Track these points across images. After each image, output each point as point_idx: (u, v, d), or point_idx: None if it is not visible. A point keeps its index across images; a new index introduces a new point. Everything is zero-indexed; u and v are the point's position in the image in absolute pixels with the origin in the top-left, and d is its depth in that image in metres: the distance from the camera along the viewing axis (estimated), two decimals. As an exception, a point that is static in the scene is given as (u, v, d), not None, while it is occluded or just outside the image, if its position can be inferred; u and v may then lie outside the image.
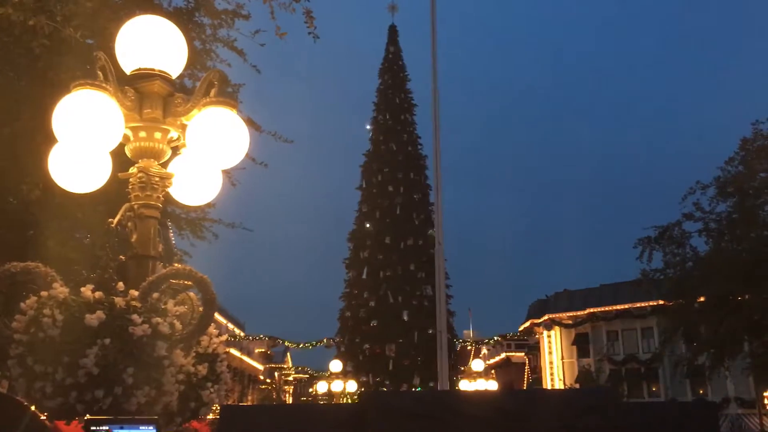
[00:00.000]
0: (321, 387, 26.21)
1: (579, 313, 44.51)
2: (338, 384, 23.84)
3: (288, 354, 57.65)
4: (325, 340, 32.35)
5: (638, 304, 39.98)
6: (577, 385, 40.01)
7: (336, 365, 24.70)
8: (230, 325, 45.67)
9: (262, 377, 57.20)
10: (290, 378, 58.42)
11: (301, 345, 36.19)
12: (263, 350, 55.68)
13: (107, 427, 2.27)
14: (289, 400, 55.58)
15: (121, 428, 2.29)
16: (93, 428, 2.26)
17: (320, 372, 34.35)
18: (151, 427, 2.36)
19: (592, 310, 43.86)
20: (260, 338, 41.66)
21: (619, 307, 42.41)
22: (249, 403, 40.44)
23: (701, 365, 20.71)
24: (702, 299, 18.19)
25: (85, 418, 2.40)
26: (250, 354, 52.93)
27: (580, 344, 44.67)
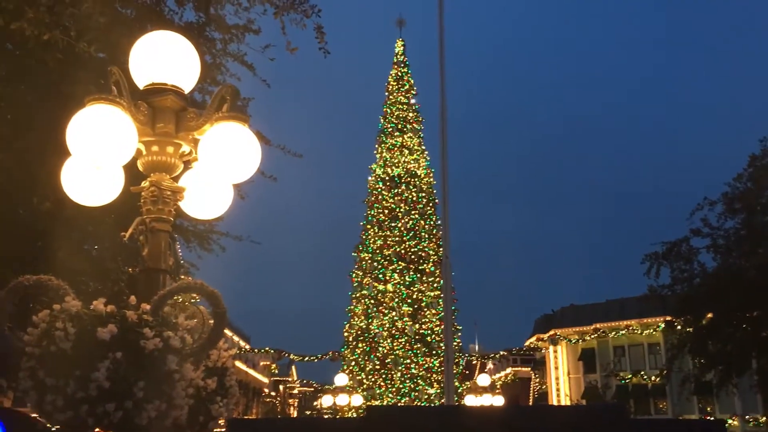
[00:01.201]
0: (326, 400, 26.10)
1: (585, 328, 44.35)
2: (343, 398, 23.73)
3: (293, 367, 57.52)
4: (330, 354, 32.23)
5: (645, 320, 39.84)
6: (584, 402, 39.77)
7: (341, 379, 24.61)
8: (236, 338, 45.64)
9: (266, 390, 57.05)
10: (295, 391, 58.24)
11: (306, 358, 36.03)
12: (268, 363, 55.59)
13: None
14: (294, 413, 55.36)
15: None
16: None
17: (325, 385, 34.19)
18: None
19: (598, 325, 43.69)
20: (265, 351, 41.59)
21: (625, 322, 42.25)
22: (254, 416, 40.30)
23: (709, 382, 20.59)
24: (710, 315, 18.12)
25: None
26: (255, 367, 52.84)
27: (587, 360, 44.46)
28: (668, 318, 21.78)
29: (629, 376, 42.25)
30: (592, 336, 43.82)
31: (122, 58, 4.22)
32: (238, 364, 41.88)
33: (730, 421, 35.40)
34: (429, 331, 28.44)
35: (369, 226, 30.48)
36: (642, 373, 41.92)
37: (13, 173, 5.18)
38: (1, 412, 2.40)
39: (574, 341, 44.82)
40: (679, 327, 20.32)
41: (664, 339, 35.39)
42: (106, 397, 2.82)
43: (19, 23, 4.12)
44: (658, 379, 39.00)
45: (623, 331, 42.43)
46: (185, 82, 3.74)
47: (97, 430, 2.98)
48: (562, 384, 44.91)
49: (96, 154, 3.40)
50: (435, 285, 28.90)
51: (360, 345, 28.64)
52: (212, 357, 3.61)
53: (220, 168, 3.61)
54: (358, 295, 29.73)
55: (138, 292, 3.35)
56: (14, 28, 4.16)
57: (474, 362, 38.90)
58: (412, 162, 31.32)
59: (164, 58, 3.64)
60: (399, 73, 33.02)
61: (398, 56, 33.52)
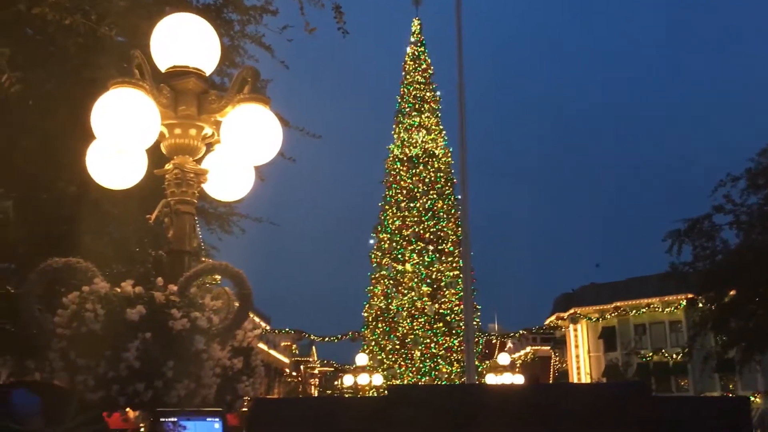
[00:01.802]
0: (347, 380, 26.32)
1: (605, 306, 44.20)
2: (364, 377, 23.92)
3: (313, 347, 57.95)
4: (350, 334, 32.44)
5: (666, 298, 39.63)
6: (604, 380, 39.76)
7: (362, 358, 24.80)
8: (257, 319, 46.06)
9: (287, 370, 57.61)
10: (315, 371, 58.73)
11: (326, 338, 36.32)
12: (289, 344, 56.06)
13: (175, 419, 2.31)
14: (315, 393, 55.91)
15: (188, 420, 2.32)
16: (162, 420, 2.30)
17: (345, 365, 34.44)
18: (217, 419, 2.39)
19: (618, 303, 43.52)
20: (286, 332, 41.93)
21: (646, 300, 42.04)
22: (276, 396, 40.75)
23: (731, 359, 20.48)
24: (732, 292, 17.97)
25: (156, 410, 2.44)
26: (275, 347, 53.33)
27: (607, 338, 44.36)
28: (690, 295, 21.64)
29: (650, 354, 42.11)
30: (613, 314, 43.65)
31: (142, 42, 4.23)
32: (260, 345, 42.26)
33: (752, 398, 35.26)
34: (448, 311, 28.51)
35: (387, 207, 30.47)
36: (663, 351, 41.74)
37: (37, 158, 5.23)
38: (36, 385, 2.42)
39: (594, 319, 44.69)
40: (700, 304, 20.18)
41: (686, 317, 35.17)
42: (137, 376, 2.87)
43: (41, 8, 4.14)
44: (679, 356, 38.84)
45: (644, 309, 42.22)
46: (206, 65, 3.75)
47: (128, 409, 3.04)
48: (582, 362, 44.87)
49: (120, 137, 3.43)
50: (454, 265, 28.90)
51: (380, 325, 28.79)
52: (238, 337, 3.65)
53: (242, 149, 3.63)
54: (377, 275, 29.82)
55: (164, 274, 3.39)
56: (36, 13, 4.18)
57: (493, 341, 38.98)
58: (429, 142, 31.18)
59: (185, 40, 3.65)
60: (416, 53, 32.78)
61: (415, 35, 33.26)
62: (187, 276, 3.27)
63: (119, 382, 2.88)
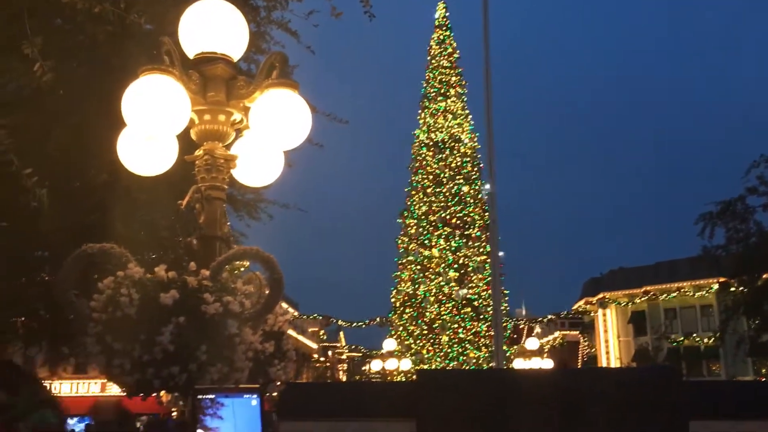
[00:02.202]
0: (375, 365, 26.44)
1: (635, 290, 43.76)
2: (392, 362, 24.01)
3: (341, 333, 58.30)
4: (378, 319, 32.58)
5: (697, 282, 39.12)
6: (635, 364, 39.45)
7: (389, 344, 24.88)
8: (284, 305, 46.39)
9: (315, 356, 58.06)
10: (343, 356, 59.12)
11: (354, 324, 36.52)
12: (316, 329, 56.46)
13: (213, 396, 2.33)
14: (343, 378, 56.29)
15: (226, 397, 2.35)
16: (199, 397, 2.33)
17: (373, 350, 34.62)
18: (254, 395, 2.41)
19: (648, 287, 43.05)
20: (314, 317, 42.22)
21: (676, 284, 41.53)
22: (305, 381, 41.11)
23: (764, 343, 20.18)
24: (766, 276, 17.68)
25: (194, 387, 2.47)
26: (303, 333, 53.76)
27: (637, 322, 43.96)
28: (722, 279, 21.34)
29: (681, 339, 41.65)
30: (642, 298, 43.19)
31: (169, 29, 4.25)
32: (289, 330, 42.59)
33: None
34: (476, 296, 28.48)
35: (414, 192, 30.44)
36: (694, 335, 41.28)
37: (69, 147, 5.29)
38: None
39: (623, 304, 44.28)
40: (733, 288, 19.89)
41: (718, 301, 34.69)
42: (171, 360, 2.91)
43: (71, -4, 4.17)
44: (711, 341, 38.38)
45: (674, 294, 41.71)
46: (234, 50, 3.75)
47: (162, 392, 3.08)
48: (611, 347, 44.53)
49: (151, 124, 3.45)
50: (481, 250, 28.82)
51: (407, 310, 28.86)
52: (269, 322, 3.67)
53: (271, 134, 3.63)
54: (404, 261, 29.86)
55: (195, 259, 3.41)
56: (66, 1, 4.21)
57: (521, 326, 38.86)
58: (455, 126, 31.02)
59: (213, 26, 3.65)
60: (441, 37, 32.56)
61: (440, 19, 33.02)
62: (218, 261, 3.30)
63: (154, 366, 2.92)
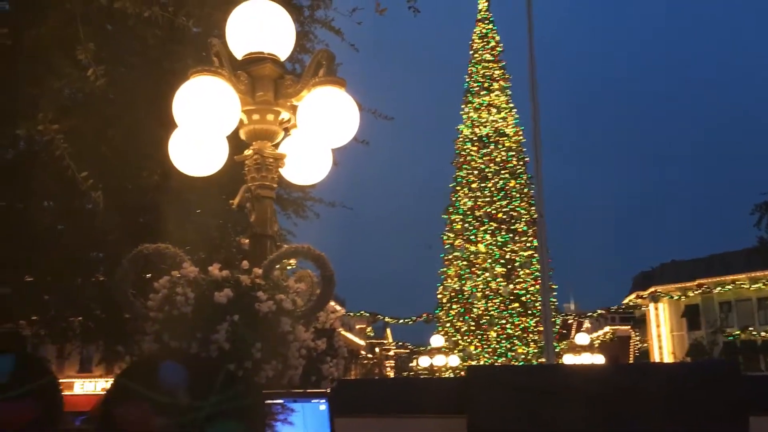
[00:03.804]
0: (423, 361, 26.44)
1: (687, 284, 42.78)
2: (440, 358, 23.97)
3: (388, 330, 58.45)
4: (424, 316, 32.53)
5: (753, 274, 38.03)
6: (689, 359, 38.56)
7: (437, 340, 24.84)
8: (332, 302, 46.63)
9: (363, 352, 58.35)
10: (391, 353, 59.26)
11: (401, 320, 36.55)
12: (364, 326, 56.74)
13: (282, 401, 2.34)
14: (391, 374, 56.41)
15: (295, 402, 2.35)
16: (268, 402, 2.33)
17: (420, 347, 34.61)
18: (323, 400, 2.42)
19: (702, 280, 42.03)
20: (361, 314, 42.41)
21: (731, 277, 40.45)
22: (354, 377, 41.35)
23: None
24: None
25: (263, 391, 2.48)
26: (351, 330, 54.06)
27: (690, 316, 42.98)
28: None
29: (737, 333, 40.57)
30: (696, 292, 42.22)
31: (217, 31, 4.30)
32: (337, 327, 42.83)
33: None
34: (523, 291, 28.21)
35: (459, 188, 30.30)
36: (751, 328, 40.16)
37: (122, 149, 5.41)
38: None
39: (676, 298, 43.33)
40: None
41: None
42: (227, 357, 2.94)
43: (121, 1, 4.26)
44: (768, 334, 37.37)
45: (729, 286, 40.66)
46: (282, 50, 3.77)
47: None
48: (664, 342, 43.61)
49: (202, 125, 3.49)
50: (528, 245, 28.54)
51: (454, 306, 28.76)
52: (321, 319, 3.69)
53: (319, 132, 3.65)
54: (450, 257, 29.76)
55: (247, 258, 3.45)
56: (117, 6, 4.30)
57: (570, 321, 38.35)
58: (500, 121, 30.76)
59: (260, 26, 3.68)
60: (483, 30, 32.30)
61: (482, 12, 32.75)
62: (271, 259, 3.32)
63: (211, 364, 2.96)
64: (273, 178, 3.72)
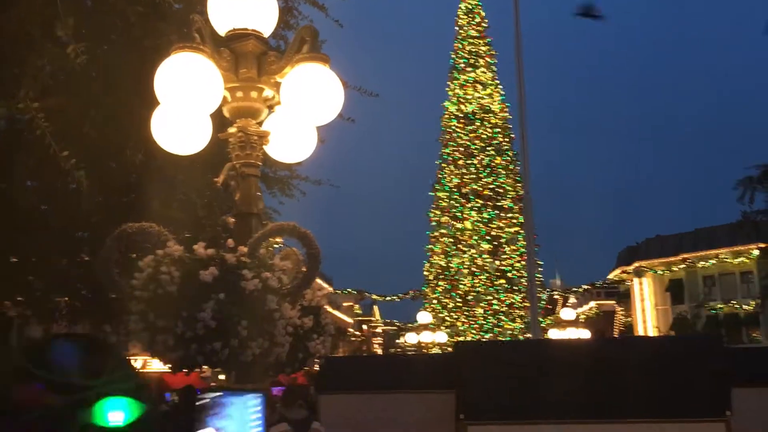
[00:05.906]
0: (410, 338, 26.60)
1: (672, 258, 43.16)
2: (427, 335, 24.11)
3: (375, 307, 58.71)
4: (411, 293, 32.68)
5: (736, 248, 38.44)
6: (673, 333, 39.08)
7: (424, 317, 24.96)
8: (318, 280, 46.75)
9: (351, 330, 58.63)
10: (378, 330, 59.62)
11: (388, 297, 36.73)
12: (351, 304, 56.94)
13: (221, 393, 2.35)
14: (379, 351, 56.79)
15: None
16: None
17: (407, 324, 34.83)
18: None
19: (685, 255, 42.41)
20: (348, 292, 42.56)
21: (715, 251, 40.85)
22: (342, 355, 41.57)
23: (807, 309, 19.84)
24: (808, 240, 17.32)
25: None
26: (338, 308, 54.25)
27: (674, 291, 43.43)
28: (762, 245, 20.95)
29: (720, 306, 41.09)
30: (680, 266, 42.63)
31: (199, 8, 4.24)
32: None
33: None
34: (509, 267, 28.39)
35: (444, 165, 30.32)
36: (733, 302, 40.68)
37: (104, 128, 5.35)
38: (76, 337, 2.49)
39: (660, 272, 43.74)
40: (774, 253, 19.57)
41: (758, 267, 34.13)
42: (213, 335, 2.95)
43: (102, -22, 4.19)
44: (751, 307, 37.82)
45: (713, 261, 41.08)
46: (265, 26, 3.73)
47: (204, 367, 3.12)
48: (648, 316, 44.10)
49: (184, 102, 3.45)
50: (514, 221, 28.67)
51: (441, 283, 28.92)
52: (307, 297, 3.70)
53: (303, 109, 3.61)
54: (436, 234, 29.85)
55: (232, 236, 3.44)
56: (96, -17, 4.23)
57: (556, 297, 38.66)
58: (485, 97, 30.70)
59: (243, 2, 3.63)
60: (469, 6, 32.10)
61: (468, -12, 32.51)
62: (256, 237, 3.32)
63: (197, 342, 2.96)
64: (257, 156, 3.69)
